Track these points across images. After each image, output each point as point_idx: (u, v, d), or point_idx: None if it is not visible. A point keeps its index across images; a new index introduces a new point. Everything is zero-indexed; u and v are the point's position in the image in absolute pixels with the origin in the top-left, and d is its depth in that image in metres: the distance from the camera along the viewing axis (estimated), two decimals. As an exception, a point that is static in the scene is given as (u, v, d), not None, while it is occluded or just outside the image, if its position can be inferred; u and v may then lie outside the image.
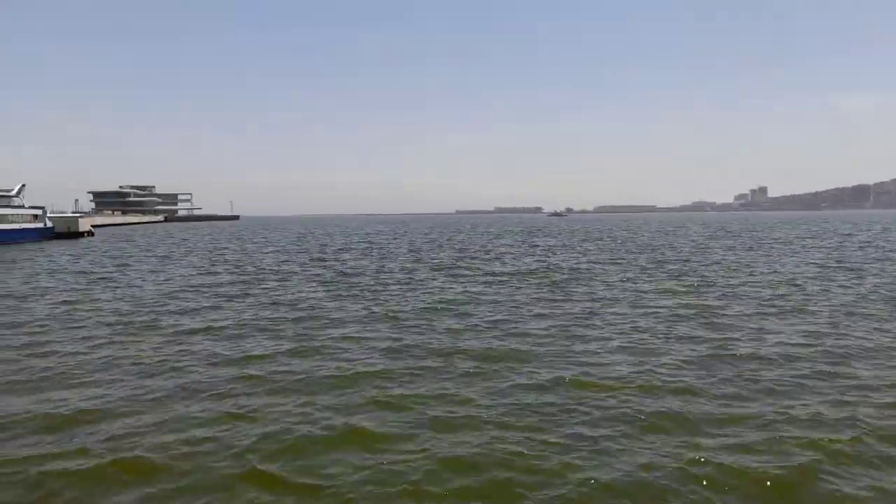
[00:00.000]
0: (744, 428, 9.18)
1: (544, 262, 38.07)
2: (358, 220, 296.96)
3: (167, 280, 30.15)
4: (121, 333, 16.77)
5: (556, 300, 21.72)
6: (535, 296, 22.84)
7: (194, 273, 33.59)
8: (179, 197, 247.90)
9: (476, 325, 17.15)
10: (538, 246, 56.12)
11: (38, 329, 17.50)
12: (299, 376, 12.17)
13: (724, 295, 22.33)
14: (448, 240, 71.14)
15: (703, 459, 8.00)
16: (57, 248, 61.52)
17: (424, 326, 17.10)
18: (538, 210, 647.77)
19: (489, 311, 19.41)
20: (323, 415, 9.94)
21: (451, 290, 24.84)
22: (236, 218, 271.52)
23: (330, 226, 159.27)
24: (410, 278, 29.42)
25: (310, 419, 9.74)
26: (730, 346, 14.14)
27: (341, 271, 33.31)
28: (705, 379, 11.62)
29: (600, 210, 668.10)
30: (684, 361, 12.91)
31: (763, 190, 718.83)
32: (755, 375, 11.78)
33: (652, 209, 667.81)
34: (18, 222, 71.90)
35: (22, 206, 74.84)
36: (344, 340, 15.39)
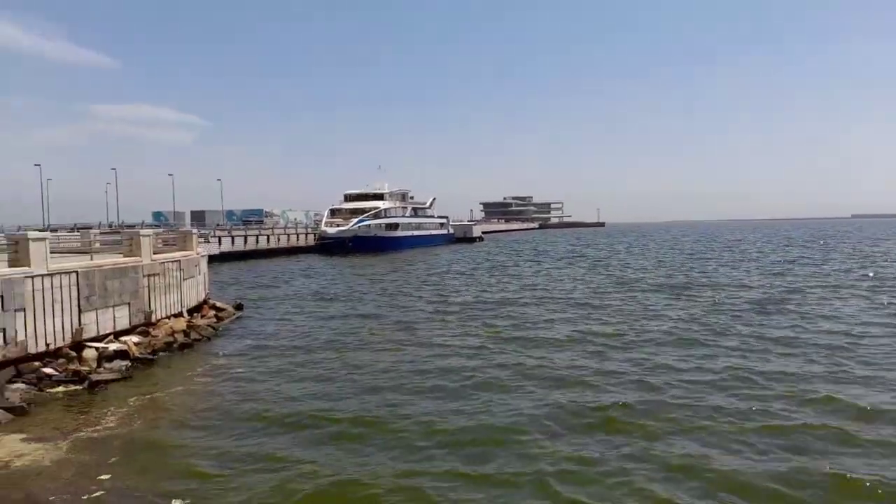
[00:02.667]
0: None
1: None
2: (728, 225, 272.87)
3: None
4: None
5: None
6: None
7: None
8: (552, 206, 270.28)
9: None
10: None
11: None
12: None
13: None
14: None
15: None
16: (458, 247, 77.09)
17: None
18: None
19: None
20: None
21: None
22: (601, 225, 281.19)
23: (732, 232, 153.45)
24: None
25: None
26: None
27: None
28: None
29: None
30: None
31: None
32: None
33: None
34: (430, 229, 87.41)
35: (433, 216, 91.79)
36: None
